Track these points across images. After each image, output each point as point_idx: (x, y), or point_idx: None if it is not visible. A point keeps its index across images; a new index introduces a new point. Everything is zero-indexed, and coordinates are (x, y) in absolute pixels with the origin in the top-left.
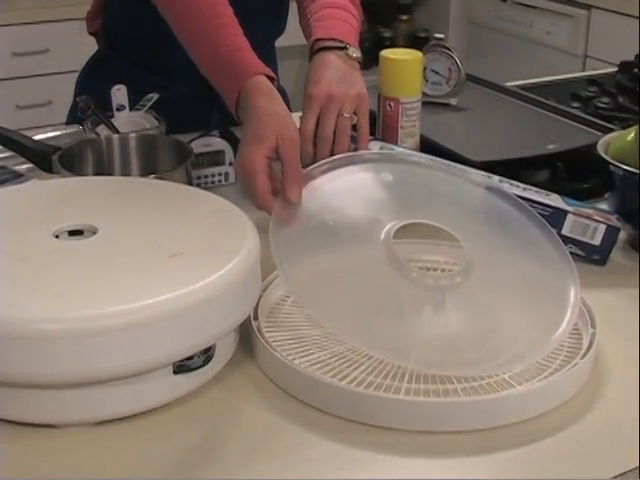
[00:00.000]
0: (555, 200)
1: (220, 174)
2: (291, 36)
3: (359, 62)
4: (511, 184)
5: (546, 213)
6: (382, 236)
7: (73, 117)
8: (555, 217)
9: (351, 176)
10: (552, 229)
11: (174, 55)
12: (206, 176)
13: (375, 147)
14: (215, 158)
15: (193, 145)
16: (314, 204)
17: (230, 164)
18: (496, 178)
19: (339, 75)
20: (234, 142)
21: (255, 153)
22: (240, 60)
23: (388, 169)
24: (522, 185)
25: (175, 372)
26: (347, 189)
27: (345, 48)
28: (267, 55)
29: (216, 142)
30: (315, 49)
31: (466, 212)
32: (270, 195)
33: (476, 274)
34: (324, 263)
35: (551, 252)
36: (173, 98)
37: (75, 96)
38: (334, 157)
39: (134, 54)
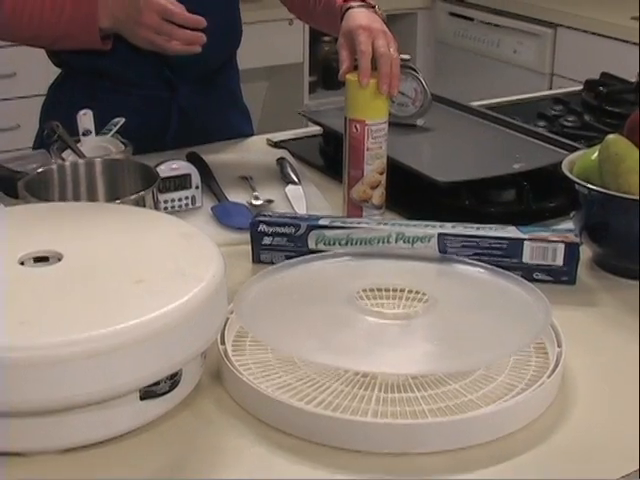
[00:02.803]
0: (510, 231)
1: (187, 198)
2: (259, 58)
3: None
4: (465, 226)
5: (504, 246)
6: (344, 294)
7: (40, 142)
8: (513, 247)
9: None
10: (516, 276)
11: (129, 61)
12: (173, 200)
13: (325, 221)
14: (182, 182)
15: (160, 169)
16: (276, 284)
17: (197, 188)
18: (449, 225)
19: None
20: (200, 165)
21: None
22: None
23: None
24: (475, 225)
25: (142, 398)
26: (305, 275)
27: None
28: (228, 63)
29: (183, 166)
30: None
31: (425, 275)
32: None
33: (440, 306)
34: (284, 310)
35: (518, 290)
36: (133, 103)
37: (40, 120)
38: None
39: (92, 67)
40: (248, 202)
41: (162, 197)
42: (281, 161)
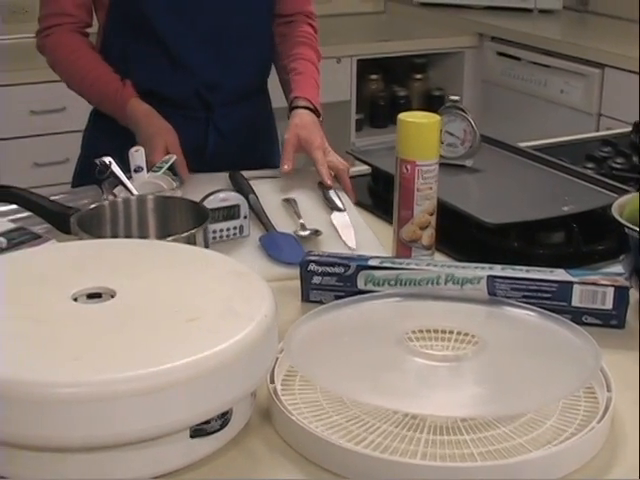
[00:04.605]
0: (559, 274)
1: (235, 228)
2: None
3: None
4: (514, 268)
5: (553, 289)
6: (394, 335)
7: (82, 168)
8: (562, 291)
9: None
10: (565, 319)
11: (173, 86)
12: (221, 230)
13: (375, 261)
14: (230, 212)
15: (209, 200)
16: (325, 324)
17: (245, 217)
18: (498, 267)
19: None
20: (243, 187)
21: (154, 153)
22: (116, 95)
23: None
24: (525, 267)
25: (192, 436)
26: (355, 315)
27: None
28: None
29: (232, 197)
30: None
31: (474, 317)
32: None
33: (489, 348)
34: (334, 350)
35: (567, 334)
36: (175, 122)
37: (83, 145)
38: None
39: (138, 89)
40: (295, 232)
41: (211, 227)
42: (322, 186)
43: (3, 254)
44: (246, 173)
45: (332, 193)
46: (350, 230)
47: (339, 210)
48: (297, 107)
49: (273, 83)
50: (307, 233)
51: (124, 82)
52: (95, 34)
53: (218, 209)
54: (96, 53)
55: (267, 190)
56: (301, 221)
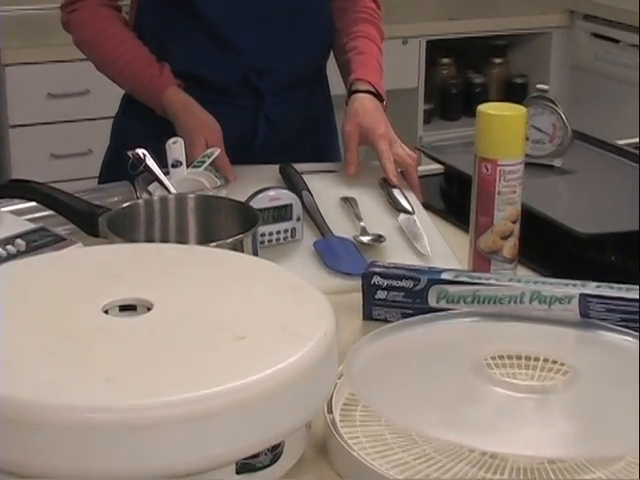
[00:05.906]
0: None
1: (286, 230)
2: None
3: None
4: (610, 286)
5: None
6: (471, 361)
7: (110, 161)
8: None
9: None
10: None
11: (217, 70)
12: (271, 233)
13: (449, 274)
14: (282, 213)
15: (258, 198)
16: (391, 347)
17: (298, 219)
18: (593, 284)
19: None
20: (296, 181)
21: (194, 152)
22: (150, 82)
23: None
24: (624, 286)
25: (238, 472)
26: (425, 337)
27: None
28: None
29: (283, 195)
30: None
31: (564, 342)
32: None
33: (582, 379)
34: (401, 377)
35: None
36: (218, 112)
37: (112, 134)
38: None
39: (177, 72)
40: (355, 237)
41: (259, 230)
42: (385, 183)
43: (22, 258)
44: (299, 166)
45: (397, 192)
46: (422, 235)
47: (406, 212)
48: (357, 91)
49: (332, 69)
50: (369, 239)
51: (161, 67)
52: (128, 7)
53: (267, 209)
54: (130, 31)
55: (323, 186)
56: (362, 224)
